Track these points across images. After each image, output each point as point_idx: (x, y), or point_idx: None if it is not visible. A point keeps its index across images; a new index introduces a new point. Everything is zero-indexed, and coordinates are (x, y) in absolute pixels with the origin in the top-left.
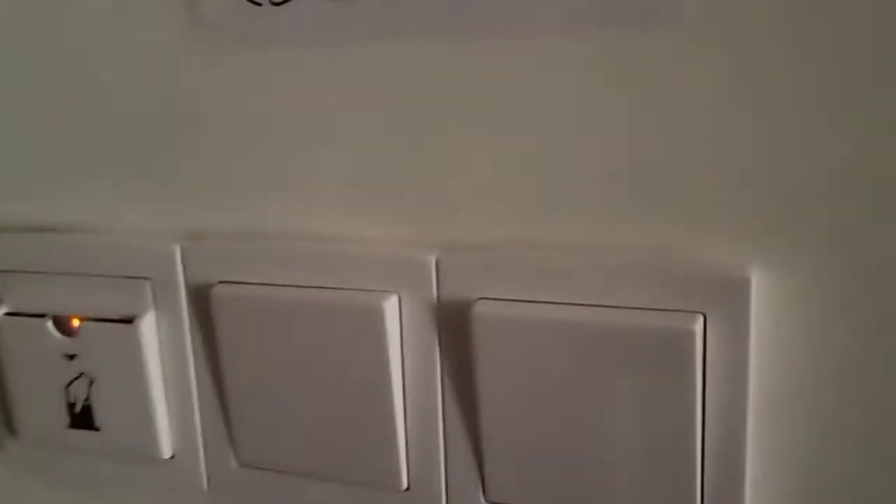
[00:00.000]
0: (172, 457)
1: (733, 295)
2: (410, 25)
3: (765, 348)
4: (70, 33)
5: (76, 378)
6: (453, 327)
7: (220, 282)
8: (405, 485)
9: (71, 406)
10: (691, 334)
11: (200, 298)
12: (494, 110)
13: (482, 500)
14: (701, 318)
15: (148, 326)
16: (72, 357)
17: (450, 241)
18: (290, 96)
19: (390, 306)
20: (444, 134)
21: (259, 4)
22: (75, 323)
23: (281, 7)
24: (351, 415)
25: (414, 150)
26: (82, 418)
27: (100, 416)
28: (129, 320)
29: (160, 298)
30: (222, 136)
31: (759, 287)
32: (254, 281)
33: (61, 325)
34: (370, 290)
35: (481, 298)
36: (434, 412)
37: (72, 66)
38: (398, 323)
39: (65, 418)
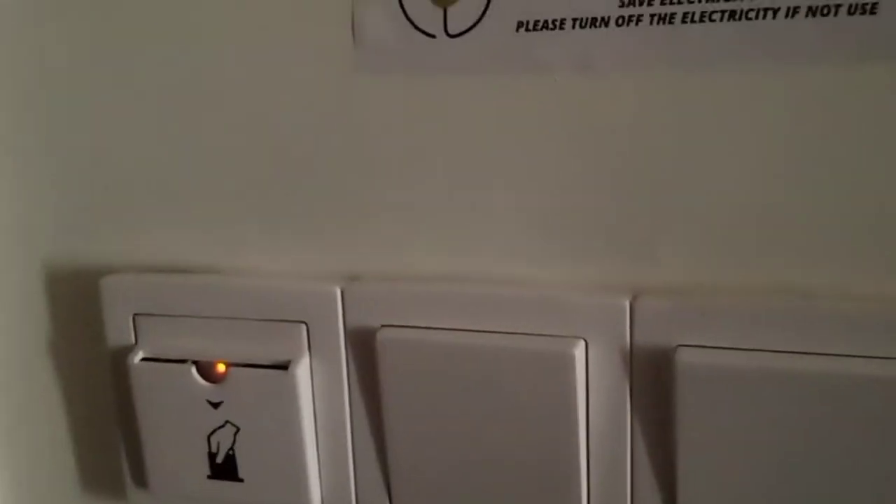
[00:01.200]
0: None
1: None
2: (605, 59)
3: None
4: (229, 68)
5: (220, 427)
6: (648, 377)
7: (384, 325)
8: None
9: (213, 456)
10: None
11: (360, 342)
12: (698, 147)
13: None
14: None
15: (303, 372)
16: (216, 404)
17: (635, 284)
18: (463, 128)
19: (579, 352)
20: (635, 171)
21: (433, 36)
22: (220, 368)
23: (458, 38)
24: (527, 466)
25: (598, 187)
26: (225, 468)
27: (244, 466)
28: (282, 366)
29: (316, 343)
30: (385, 172)
31: None
32: (419, 324)
33: (205, 370)
34: (554, 336)
35: (682, 346)
36: (622, 463)
37: (229, 102)
38: (584, 369)
39: (205, 469)
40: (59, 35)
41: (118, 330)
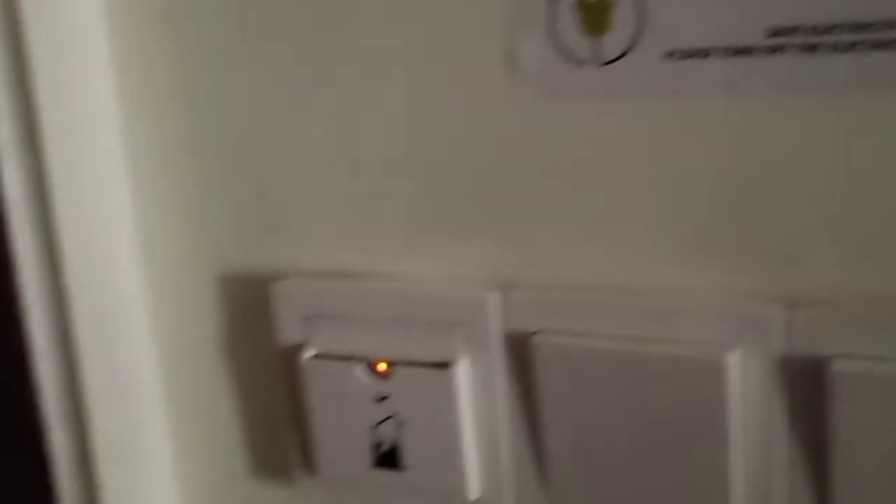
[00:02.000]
0: (479, 499)
1: None
2: (751, 86)
3: None
4: (393, 89)
5: (385, 419)
6: (802, 386)
7: (539, 331)
8: None
9: (377, 446)
10: None
11: (516, 346)
12: (844, 162)
13: None
14: None
15: (463, 372)
16: (382, 399)
17: (787, 294)
18: (615, 147)
19: (732, 361)
20: (784, 187)
21: (585, 63)
22: (383, 367)
23: (609, 66)
24: (679, 472)
25: (749, 202)
26: (389, 458)
27: (407, 456)
28: (442, 365)
29: (474, 345)
30: (541, 186)
31: None
32: (574, 331)
33: (372, 368)
34: (706, 344)
35: (836, 355)
36: (775, 475)
37: (392, 120)
38: (739, 379)
39: (370, 458)
40: (239, 60)
41: (289, 330)
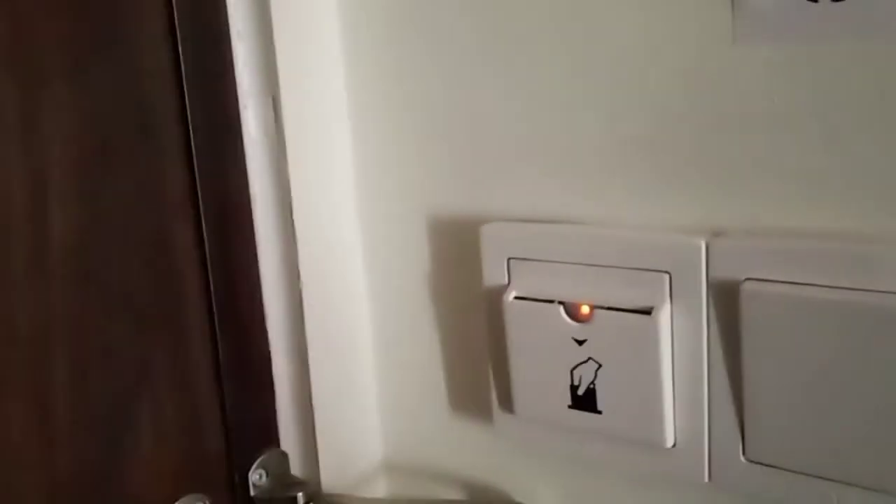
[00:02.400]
0: (674, 445)
1: None
2: None
3: None
4: (614, 35)
5: (583, 362)
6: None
7: (748, 279)
8: None
9: (574, 388)
10: None
11: (722, 294)
12: None
13: None
14: None
15: (664, 318)
16: (581, 342)
17: None
18: (835, 90)
19: None
20: None
21: (815, 1)
22: (585, 310)
23: (839, 3)
24: (887, 420)
25: None
26: (585, 400)
27: (603, 399)
28: (645, 311)
29: (678, 292)
30: (754, 131)
31: None
32: (783, 279)
33: (571, 311)
34: None
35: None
36: None
37: (606, 67)
38: None
39: (566, 399)
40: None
41: (494, 271)
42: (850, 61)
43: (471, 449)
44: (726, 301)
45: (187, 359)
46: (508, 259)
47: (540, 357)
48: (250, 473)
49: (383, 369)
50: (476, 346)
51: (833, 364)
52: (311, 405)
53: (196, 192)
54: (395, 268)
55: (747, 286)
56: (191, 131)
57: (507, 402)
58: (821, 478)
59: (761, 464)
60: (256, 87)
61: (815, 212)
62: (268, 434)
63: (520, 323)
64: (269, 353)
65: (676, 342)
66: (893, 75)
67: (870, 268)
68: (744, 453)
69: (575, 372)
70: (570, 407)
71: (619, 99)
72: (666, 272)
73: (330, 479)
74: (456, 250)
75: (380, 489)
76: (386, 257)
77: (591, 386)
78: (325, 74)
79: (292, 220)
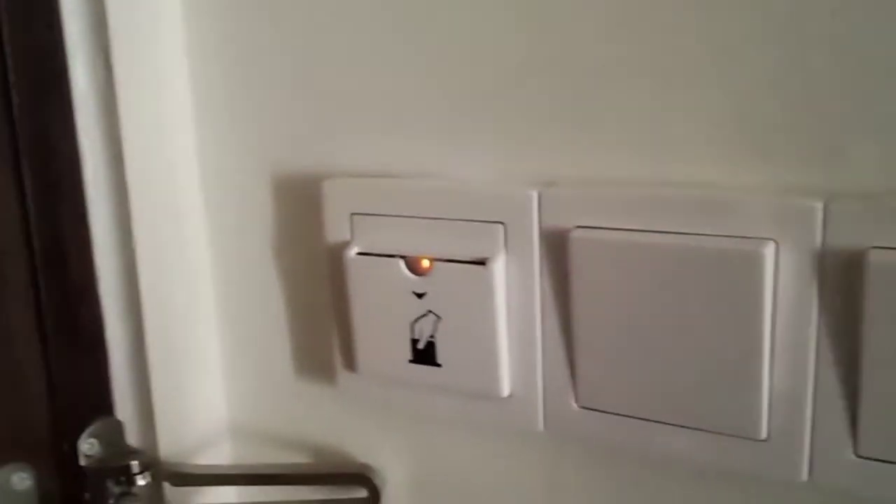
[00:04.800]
0: (510, 395)
1: None
2: None
3: None
4: None
5: (423, 315)
6: (837, 277)
7: (577, 227)
8: (764, 434)
9: (415, 342)
10: None
11: (554, 242)
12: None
13: (851, 455)
14: None
15: (499, 268)
16: (420, 295)
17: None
18: (660, 35)
19: (769, 253)
20: (833, 71)
21: None
22: (425, 263)
23: None
24: (712, 361)
25: (792, 88)
26: (425, 354)
27: (442, 352)
28: (480, 262)
29: (512, 242)
30: (583, 80)
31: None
32: (611, 226)
33: (412, 265)
34: (744, 237)
35: (874, 248)
36: (806, 362)
37: (441, 22)
38: (773, 270)
39: (407, 354)
40: None
41: (336, 227)
42: (677, 13)
43: (317, 411)
44: (558, 249)
45: (8, 322)
46: (351, 215)
47: (381, 313)
48: (80, 442)
49: (225, 331)
50: (320, 306)
51: (658, 309)
52: (147, 370)
53: (17, 147)
54: (236, 226)
55: (576, 234)
56: (10, 83)
57: (350, 361)
58: (650, 420)
59: (593, 409)
60: (86, 37)
61: (638, 158)
62: (100, 401)
63: (361, 279)
64: (101, 315)
65: (511, 292)
66: (717, 14)
67: (695, 214)
68: (576, 400)
69: (415, 326)
70: (410, 362)
71: (452, 52)
72: (500, 223)
73: (170, 447)
74: (299, 207)
75: (224, 455)
76: (227, 215)
77: (431, 339)
78: (160, 25)
79: (125, 178)
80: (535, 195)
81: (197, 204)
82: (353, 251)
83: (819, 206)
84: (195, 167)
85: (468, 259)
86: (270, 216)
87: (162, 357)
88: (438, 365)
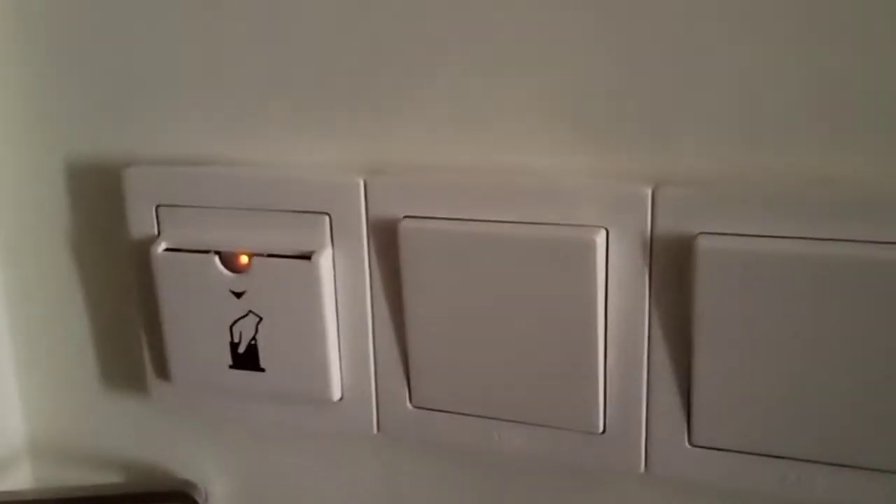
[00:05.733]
0: (342, 399)
1: None
2: None
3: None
4: None
5: (243, 316)
6: (668, 263)
7: (406, 216)
8: (601, 428)
9: (235, 346)
10: None
11: (383, 234)
12: (717, 36)
13: (686, 445)
14: None
15: (325, 262)
16: (239, 294)
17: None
18: (479, 16)
19: (600, 240)
20: (661, 59)
21: None
22: (244, 259)
23: None
24: (546, 355)
25: (620, 74)
26: (247, 358)
27: (266, 355)
28: (305, 256)
29: (339, 234)
30: (402, 64)
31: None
32: (441, 216)
33: (228, 261)
34: (575, 225)
35: (703, 233)
36: (639, 353)
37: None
38: (605, 258)
39: (227, 359)
40: None
41: (141, 221)
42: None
43: (128, 425)
44: (387, 241)
45: None
46: (157, 206)
47: (196, 314)
48: None
49: (19, 340)
50: (126, 308)
51: (490, 300)
52: None
53: None
54: (28, 222)
55: (405, 224)
56: None
57: (162, 369)
58: (486, 417)
59: (428, 409)
60: None
61: (466, 145)
62: None
63: (172, 277)
64: None
65: (339, 288)
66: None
67: (524, 201)
68: (410, 400)
69: (234, 328)
70: (231, 367)
71: (273, 33)
72: (326, 213)
73: None
74: (99, 200)
75: (24, 479)
76: (17, 209)
77: (253, 342)
78: None
79: None
80: (361, 183)
81: None
82: (160, 247)
83: (648, 192)
84: None
85: (291, 253)
86: (66, 210)
87: None
88: (262, 369)
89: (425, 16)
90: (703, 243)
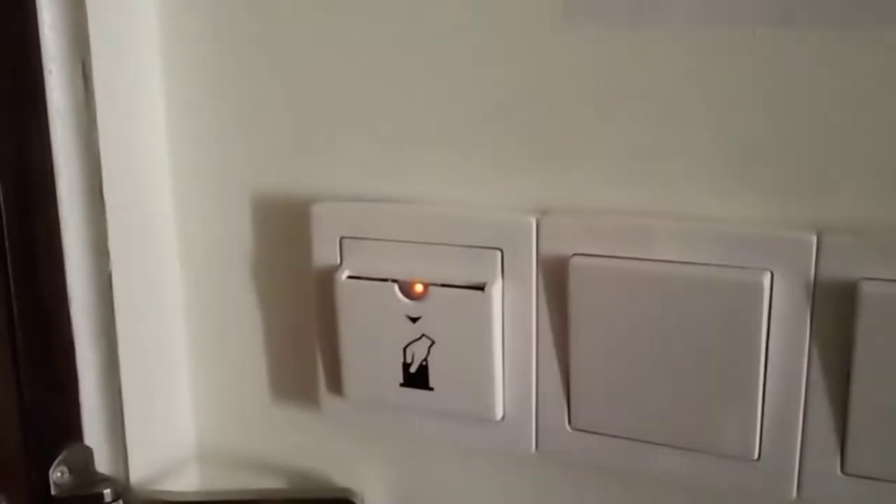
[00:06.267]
0: (503, 418)
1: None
2: (803, 13)
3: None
4: (439, 15)
5: (416, 339)
6: (829, 305)
7: (575, 254)
8: (756, 455)
9: (407, 366)
10: None
11: (552, 270)
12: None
13: (839, 473)
14: None
15: (496, 293)
16: (414, 320)
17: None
18: (657, 73)
19: (765, 282)
20: (818, 111)
21: None
22: (419, 288)
23: None
24: (707, 384)
25: (786, 125)
26: (417, 378)
27: (435, 376)
28: (478, 287)
29: (509, 268)
30: (583, 112)
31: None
32: (610, 255)
33: (405, 289)
34: (741, 267)
35: (865, 279)
36: (797, 386)
37: (437, 46)
38: (769, 299)
39: (398, 377)
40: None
41: (325, 251)
42: (671, 43)
43: (295, 437)
44: (555, 276)
45: None
46: (341, 238)
47: (373, 336)
48: (51, 471)
49: (200, 356)
50: (300, 330)
51: (655, 334)
52: (119, 397)
53: None
54: (213, 249)
55: (575, 261)
56: None
57: (335, 385)
58: (643, 441)
59: (586, 431)
60: (63, 51)
61: (636, 190)
62: (69, 428)
63: (353, 302)
64: (72, 340)
65: (507, 317)
66: (711, 55)
67: (692, 244)
68: (569, 422)
69: (408, 350)
70: (401, 385)
71: (448, 77)
72: (498, 249)
73: (140, 474)
74: (280, 231)
75: (195, 482)
76: (204, 238)
77: (424, 363)
78: (138, 39)
79: (102, 197)
80: (534, 222)
81: (173, 226)
82: (344, 274)
83: (813, 238)
84: (172, 189)
85: (464, 284)
86: (249, 238)
87: (134, 384)
88: (431, 388)
89: (597, 67)
90: (866, 288)
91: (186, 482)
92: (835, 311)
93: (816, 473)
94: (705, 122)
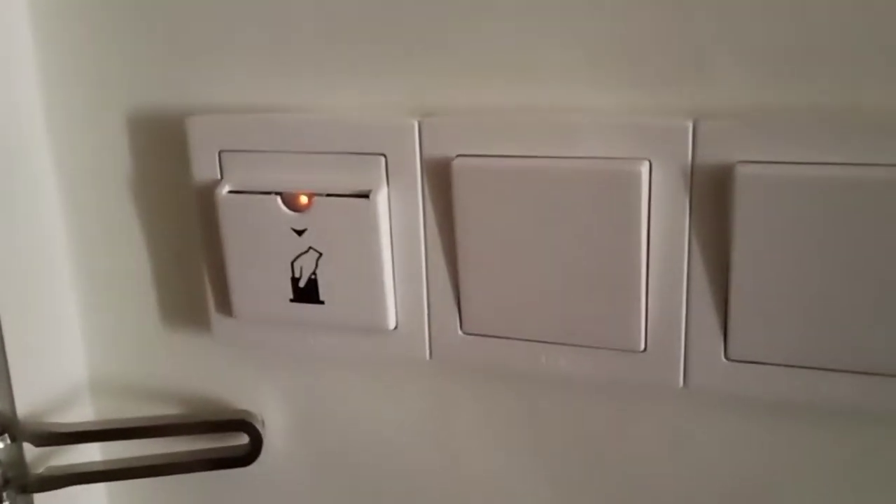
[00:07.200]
0: (396, 327)
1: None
2: None
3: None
4: None
5: (303, 252)
6: (707, 191)
7: (459, 155)
8: (643, 346)
9: (295, 280)
10: None
11: (436, 172)
12: None
13: (722, 359)
14: None
15: (382, 200)
16: (300, 232)
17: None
18: None
19: (643, 171)
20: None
21: None
22: (303, 199)
23: None
24: (591, 280)
25: (661, 12)
26: (307, 292)
27: (325, 289)
28: (363, 195)
29: (394, 174)
30: (457, 6)
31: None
32: (492, 153)
33: (289, 201)
34: (619, 158)
35: (741, 162)
36: (679, 274)
37: None
38: (648, 188)
39: (288, 293)
40: None
41: (204, 166)
42: None
43: (187, 361)
44: (440, 179)
45: None
46: (219, 152)
47: (259, 252)
48: None
49: (83, 282)
50: (186, 251)
51: (539, 231)
52: None
53: None
54: (91, 168)
55: (457, 162)
56: None
57: (225, 306)
58: (534, 340)
59: (478, 335)
60: None
61: (514, 87)
62: None
63: (235, 218)
64: None
65: (395, 224)
66: None
67: (570, 137)
68: (460, 327)
69: (295, 264)
70: (291, 301)
71: None
72: (381, 154)
73: (29, 408)
74: (160, 147)
75: (87, 413)
76: (80, 157)
77: (313, 276)
78: None
79: None
80: (416, 124)
81: (45, 147)
82: (224, 189)
83: (689, 124)
84: (43, 107)
85: (349, 192)
86: (129, 157)
87: (13, 313)
88: (321, 302)
89: None
90: (741, 171)
91: (80, 413)
92: (713, 198)
93: (701, 361)
94: (582, 10)
